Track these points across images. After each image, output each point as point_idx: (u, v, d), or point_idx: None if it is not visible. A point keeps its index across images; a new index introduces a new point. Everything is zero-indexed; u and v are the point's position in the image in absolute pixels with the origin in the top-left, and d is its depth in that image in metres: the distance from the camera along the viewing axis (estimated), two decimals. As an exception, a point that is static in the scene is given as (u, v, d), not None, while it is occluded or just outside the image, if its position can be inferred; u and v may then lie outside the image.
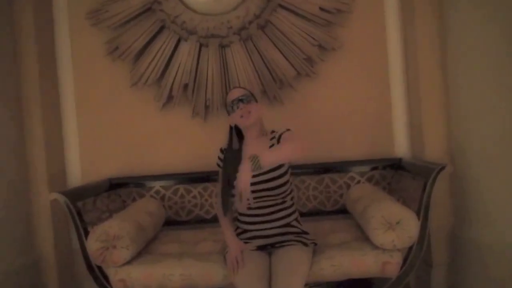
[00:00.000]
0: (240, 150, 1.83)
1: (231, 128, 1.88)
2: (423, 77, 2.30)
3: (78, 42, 2.55)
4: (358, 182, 2.43)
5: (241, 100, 1.78)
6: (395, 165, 2.39)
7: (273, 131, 1.86)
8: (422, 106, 2.31)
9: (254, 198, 1.73)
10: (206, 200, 2.46)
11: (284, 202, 1.81)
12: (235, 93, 1.82)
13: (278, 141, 1.78)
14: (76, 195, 2.03)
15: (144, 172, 2.52)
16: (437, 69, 2.27)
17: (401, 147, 2.50)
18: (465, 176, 2.09)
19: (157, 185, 2.48)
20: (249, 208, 1.74)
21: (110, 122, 2.56)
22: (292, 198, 1.86)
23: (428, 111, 2.30)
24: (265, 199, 1.77)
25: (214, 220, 2.39)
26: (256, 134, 1.84)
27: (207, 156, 2.45)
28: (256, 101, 1.85)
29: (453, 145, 2.21)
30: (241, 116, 1.78)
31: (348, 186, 2.42)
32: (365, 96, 2.49)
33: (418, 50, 2.30)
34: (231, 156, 1.82)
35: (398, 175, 2.35)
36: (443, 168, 1.87)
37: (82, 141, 2.57)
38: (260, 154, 1.52)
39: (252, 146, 1.81)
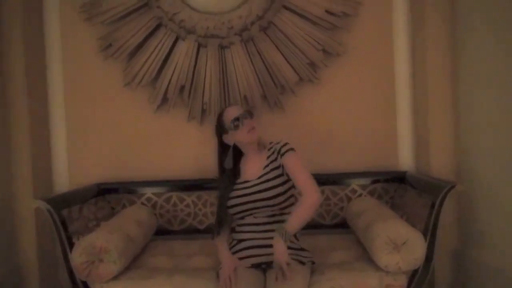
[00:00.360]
0: (236, 168, 1.83)
1: (227, 146, 1.84)
2: (431, 87, 2.19)
3: (69, 38, 2.41)
4: (360, 195, 2.32)
5: (245, 116, 1.77)
6: (399, 178, 2.29)
7: (270, 142, 1.82)
8: (429, 118, 2.20)
9: (251, 209, 1.73)
10: (200, 209, 2.34)
11: (282, 214, 1.74)
12: (235, 111, 1.80)
13: (278, 155, 1.75)
14: (61, 203, 1.90)
15: (135, 178, 2.39)
16: (447, 80, 2.16)
17: (405, 160, 2.39)
18: (472, 194, 2.00)
19: (148, 191, 2.35)
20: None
21: (100, 123, 2.42)
22: (290, 205, 1.79)
23: (436, 123, 2.19)
24: (262, 209, 1.72)
25: (208, 231, 2.28)
26: (257, 149, 1.82)
27: (203, 162, 2.38)
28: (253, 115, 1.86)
29: (461, 160, 2.11)
30: (249, 131, 1.76)
31: (349, 199, 2.31)
32: (369, 105, 2.38)
33: (427, 58, 2.19)
34: (228, 175, 1.81)
35: (401, 189, 2.25)
36: (452, 187, 1.76)
37: (70, 143, 2.43)
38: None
39: (249, 164, 1.81)
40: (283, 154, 1.73)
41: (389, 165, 2.39)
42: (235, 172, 1.81)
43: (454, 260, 2.12)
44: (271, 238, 1.64)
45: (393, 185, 2.31)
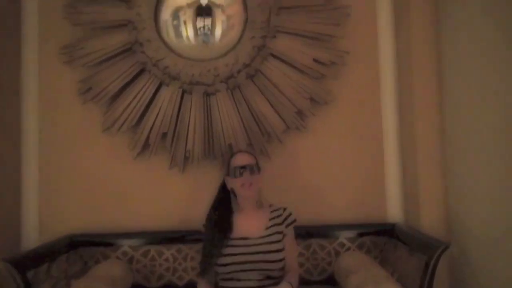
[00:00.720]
0: (229, 215, 1.76)
1: (227, 190, 1.82)
2: (420, 138, 2.15)
3: (46, 79, 2.30)
4: (348, 248, 2.22)
5: (245, 169, 1.71)
6: (388, 231, 2.21)
7: (271, 205, 1.81)
8: (418, 168, 2.15)
9: (248, 270, 1.65)
10: (180, 264, 2.18)
11: (275, 277, 1.68)
12: (242, 159, 1.75)
13: (284, 222, 1.76)
14: (27, 263, 1.73)
15: (110, 229, 2.24)
16: (436, 130, 2.12)
17: (394, 211, 2.31)
18: (463, 251, 1.92)
19: (125, 244, 2.19)
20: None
21: (76, 169, 2.28)
22: (283, 273, 1.73)
23: (425, 173, 2.13)
24: (260, 272, 1.65)
25: (188, 287, 2.13)
26: (252, 206, 1.77)
27: (184, 213, 2.26)
28: (259, 170, 1.80)
29: (452, 214, 2.05)
30: (242, 185, 1.71)
31: (337, 253, 2.20)
32: (357, 154, 2.33)
33: (415, 108, 2.16)
34: (221, 219, 1.75)
35: (391, 243, 2.16)
36: (446, 247, 1.69)
37: (42, 190, 2.27)
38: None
39: (247, 219, 1.75)
40: (288, 225, 1.75)
41: (378, 216, 2.31)
42: (228, 225, 1.71)
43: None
44: None
45: (382, 238, 2.22)
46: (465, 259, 1.92)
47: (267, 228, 1.72)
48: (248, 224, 1.72)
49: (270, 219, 1.75)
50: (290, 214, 1.79)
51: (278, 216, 1.76)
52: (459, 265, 1.96)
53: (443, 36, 2.11)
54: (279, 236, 1.70)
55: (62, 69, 2.27)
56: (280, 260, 1.66)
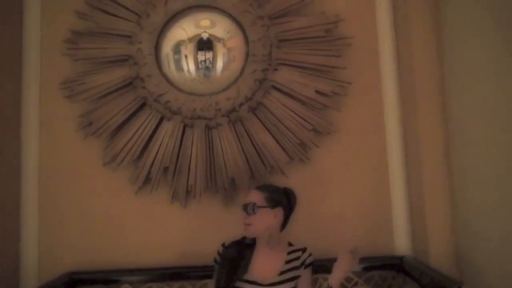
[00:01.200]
0: (246, 261, 1.67)
1: None
2: (426, 168, 2.12)
3: (47, 114, 2.28)
4: (356, 283, 2.15)
5: (246, 207, 1.66)
6: (396, 265, 2.14)
7: (290, 244, 1.74)
8: (425, 199, 2.10)
9: None
10: (183, 300, 2.13)
11: None
12: (248, 197, 1.70)
13: (302, 266, 1.69)
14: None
15: (111, 266, 2.18)
16: (442, 162, 2.09)
17: (402, 243, 2.26)
18: (473, 283, 1.86)
19: (126, 281, 2.13)
20: None
21: (76, 204, 2.24)
22: None
23: (432, 205, 2.09)
24: None
25: (191, 326, 2.07)
26: (265, 245, 1.69)
27: (186, 248, 2.21)
28: (256, 211, 1.66)
29: (461, 248, 2.00)
30: (244, 223, 1.67)
31: (345, 288, 2.14)
32: (361, 185, 2.29)
33: (421, 137, 2.13)
34: (239, 256, 1.67)
35: (400, 278, 2.10)
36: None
37: (42, 226, 2.23)
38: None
39: (262, 258, 1.67)
40: (306, 267, 1.68)
41: (385, 249, 2.25)
42: (245, 265, 1.63)
43: None
44: None
45: (390, 272, 2.15)
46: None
47: (282, 273, 1.64)
48: (262, 265, 1.64)
49: (287, 262, 1.67)
50: (309, 256, 1.72)
51: (296, 259, 1.68)
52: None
53: (446, 63, 2.09)
54: (291, 284, 1.63)
55: (62, 104, 2.26)
56: None
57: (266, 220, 1.66)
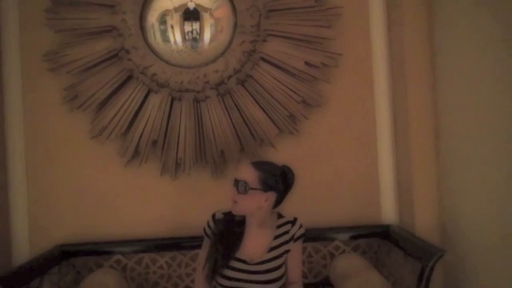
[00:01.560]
0: (240, 230, 1.61)
1: None
2: (414, 139, 2.14)
3: (30, 87, 2.22)
4: (343, 251, 2.22)
5: (237, 184, 1.55)
6: (383, 233, 2.21)
7: (280, 216, 1.67)
8: (413, 169, 2.15)
9: None
10: (175, 271, 2.17)
11: None
12: (241, 172, 1.59)
13: (292, 240, 1.62)
14: (16, 280, 1.69)
15: (103, 238, 2.21)
16: (430, 133, 2.12)
17: (388, 213, 2.32)
18: (457, 256, 1.93)
19: (118, 252, 2.17)
20: None
21: (65, 178, 2.23)
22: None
23: (419, 175, 2.13)
24: None
25: (183, 294, 2.13)
26: (255, 224, 1.62)
27: (177, 220, 2.24)
28: (247, 191, 1.54)
29: (446, 217, 2.06)
30: (232, 200, 1.58)
31: (332, 256, 2.21)
32: (350, 156, 2.31)
33: (410, 110, 2.14)
34: (231, 235, 1.60)
35: (386, 245, 2.17)
36: (442, 255, 1.70)
37: (31, 201, 2.22)
38: None
39: (252, 235, 1.61)
40: (296, 240, 1.62)
41: (372, 218, 2.31)
42: (237, 243, 1.58)
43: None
44: None
45: (377, 240, 2.22)
46: (459, 264, 1.93)
47: (271, 249, 1.58)
48: (251, 243, 1.59)
49: (276, 237, 1.60)
50: (299, 228, 1.63)
51: (285, 233, 1.61)
52: (454, 270, 1.98)
53: (436, 35, 2.07)
54: (281, 261, 1.59)
55: (46, 77, 2.20)
56: (275, 280, 1.57)
57: (256, 202, 1.56)
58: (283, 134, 2.25)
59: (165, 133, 2.16)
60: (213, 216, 1.68)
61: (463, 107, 1.90)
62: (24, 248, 2.20)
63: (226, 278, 1.56)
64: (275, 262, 1.58)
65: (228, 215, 1.63)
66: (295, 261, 1.64)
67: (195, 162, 2.19)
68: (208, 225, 1.67)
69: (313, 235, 2.21)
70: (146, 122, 2.14)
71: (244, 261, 1.57)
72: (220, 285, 1.58)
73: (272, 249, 1.59)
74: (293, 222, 1.65)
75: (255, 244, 1.59)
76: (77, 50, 2.12)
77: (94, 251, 2.17)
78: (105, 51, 2.10)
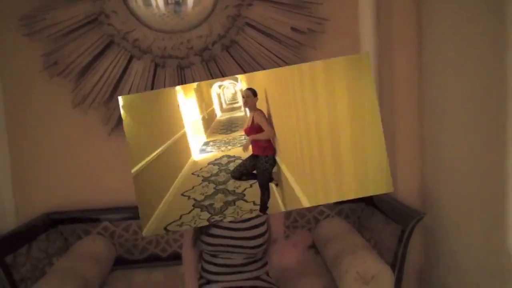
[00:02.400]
0: None
1: None
2: (398, 106, 2.16)
3: (8, 55, 2.15)
4: (327, 216, 2.28)
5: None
6: (365, 198, 2.26)
7: None
8: (396, 136, 2.17)
9: (228, 252, 1.58)
10: (162, 236, 2.22)
11: (256, 253, 1.64)
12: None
13: None
14: (4, 247, 1.70)
15: (90, 205, 2.22)
16: (414, 101, 2.13)
17: (371, 178, 2.37)
18: (436, 220, 2.00)
19: (105, 219, 2.19)
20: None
21: (48, 148, 2.22)
22: (264, 249, 1.68)
23: (402, 142, 2.16)
24: (238, 249, 1.59)
25: (171, 258, 2.18)
26: None
27: (163, 187, 2.25)
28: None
29: (427, 183, 2.11)
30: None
31: (317, 221, 2.27)
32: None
33: (395, 78, 2.14)
34: None
35: (368, 210, 2.23)
36: (420, 218, 1.76)
37: (15, 171, 2.21)
38: None
39: None
40: None
41: (356, 183, 2.36)
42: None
43: (418, 281, 2.15)
44: (244, 273, 1.58)
45: (360, 205, 2.28)
46: (438, 227, 2.01)
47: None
48: None
49: None
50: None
51: None
52: (432, 232, 2.05)
53: (424, 4, 2.04)
54: (264, 218, 1.63)
55: (23, 43, 2.12)
56: (262, 244, 1.60)
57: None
58: (268, 101, 2.24)
59: (149, 101, 2.13)
60: None
61: (448, 74, 1.91)
62: (10, 218, 2.20)
63: (211, 235, 1.60)
64: (258, 220, 1.61)
65: None
66: (277, 217, 1.67)
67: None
68: None
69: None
70: (129, 89, 2.11)
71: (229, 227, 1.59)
72: (206, 243, 1.61)
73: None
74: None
75: None
76: (55, 14, 2.04)
77: (82, 219, 2.19)
78: (83, 16, 2.02)
